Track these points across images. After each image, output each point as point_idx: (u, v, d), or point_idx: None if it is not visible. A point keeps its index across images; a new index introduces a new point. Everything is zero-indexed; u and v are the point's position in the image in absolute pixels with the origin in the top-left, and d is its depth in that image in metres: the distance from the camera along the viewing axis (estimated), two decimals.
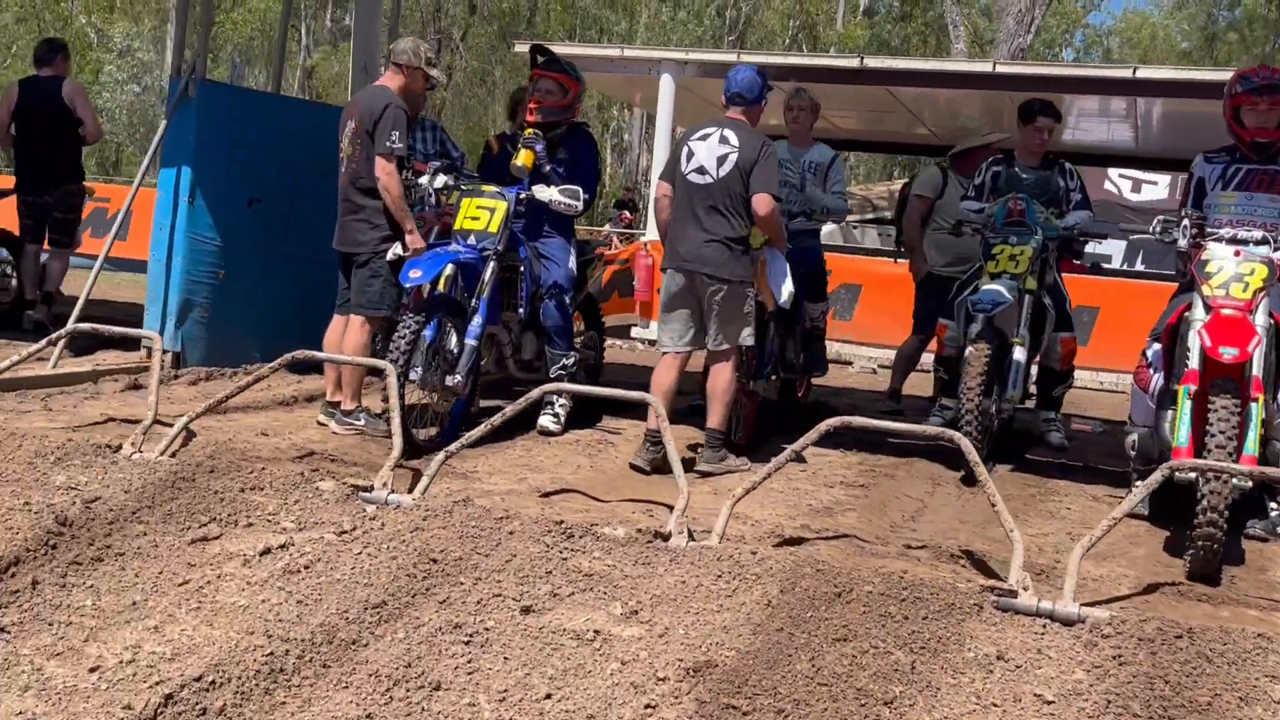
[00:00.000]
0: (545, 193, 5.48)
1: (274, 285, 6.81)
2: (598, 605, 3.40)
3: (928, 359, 7.99)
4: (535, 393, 4.33)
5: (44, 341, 5.03)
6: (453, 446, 4.24)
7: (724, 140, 5.18)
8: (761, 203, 5.13)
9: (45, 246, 7.55)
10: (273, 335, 6.86)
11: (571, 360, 5.77)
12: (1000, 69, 11.72)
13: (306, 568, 3.62)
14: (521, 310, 5.60)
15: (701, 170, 5.20)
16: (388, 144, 5.24)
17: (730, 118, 5.27)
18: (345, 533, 3.86)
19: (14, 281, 7.94)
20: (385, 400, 4.86)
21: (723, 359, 5.25)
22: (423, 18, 28.96)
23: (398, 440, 4.28)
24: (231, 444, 4.95)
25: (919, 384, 8.11)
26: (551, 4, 34.27)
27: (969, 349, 5.43)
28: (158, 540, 3.76)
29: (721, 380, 5.25)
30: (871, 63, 11.95)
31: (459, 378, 5.19)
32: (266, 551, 3.71)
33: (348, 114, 5.46)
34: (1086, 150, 14.38)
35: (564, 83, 5.77)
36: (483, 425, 4.30)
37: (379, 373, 4.91)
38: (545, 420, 5.69)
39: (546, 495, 4.58)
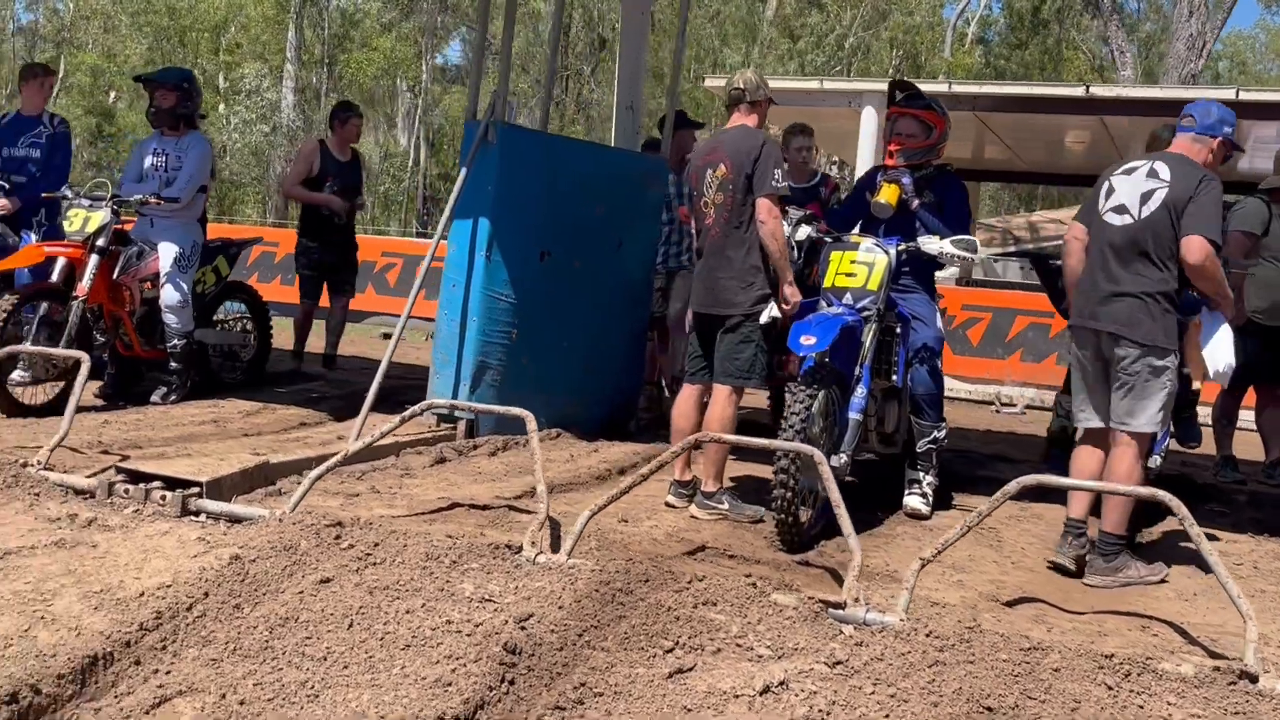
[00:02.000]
0: (933, 244, 4.81)
1: (561, 344, 6.26)
2: None
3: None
4: (1013, 486, 3.66)
5: (399, 418, 4.48)
6: (927, 554, 3.59)
7: (1153, 174, 4.35)
8: (1192, 247, 4.18)
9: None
10: (559, 398, 6.32)
11: (943, 432, 5.10)
12: (1244, 96, 10.92)
13: (828, 714, 2.99)
14: (895, 377, 4.94)
15: (1121, 209, 4.38)
16: (772, 184, 4.63)
17: (1170, 151, 4.49)
18: (839, 664, 3.22)
19: (253, 338, 7.54)
20: (797, 487, 4.22)
21: (1127, 442, 4.32)
22: (548, 52, 28.67)
23: (855, 544, 3.64)
24: (608, 537, 4.37)
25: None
26: (666, 36, 33.92)
27: None
28: (629, 673, 3.15)
29: (1122, 468, 4.27)
30: (1098, 91, 11.24)
31: (845, 457, 4.55)
32: (766, 690, 3.09)
33: (708, 160, 4.85)
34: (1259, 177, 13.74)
35: (928, 120, 5.13)
36: (959, 529, 3.63)
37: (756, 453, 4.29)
38: (916, 502, 5.03)
39: (1011, 605, 3.90)
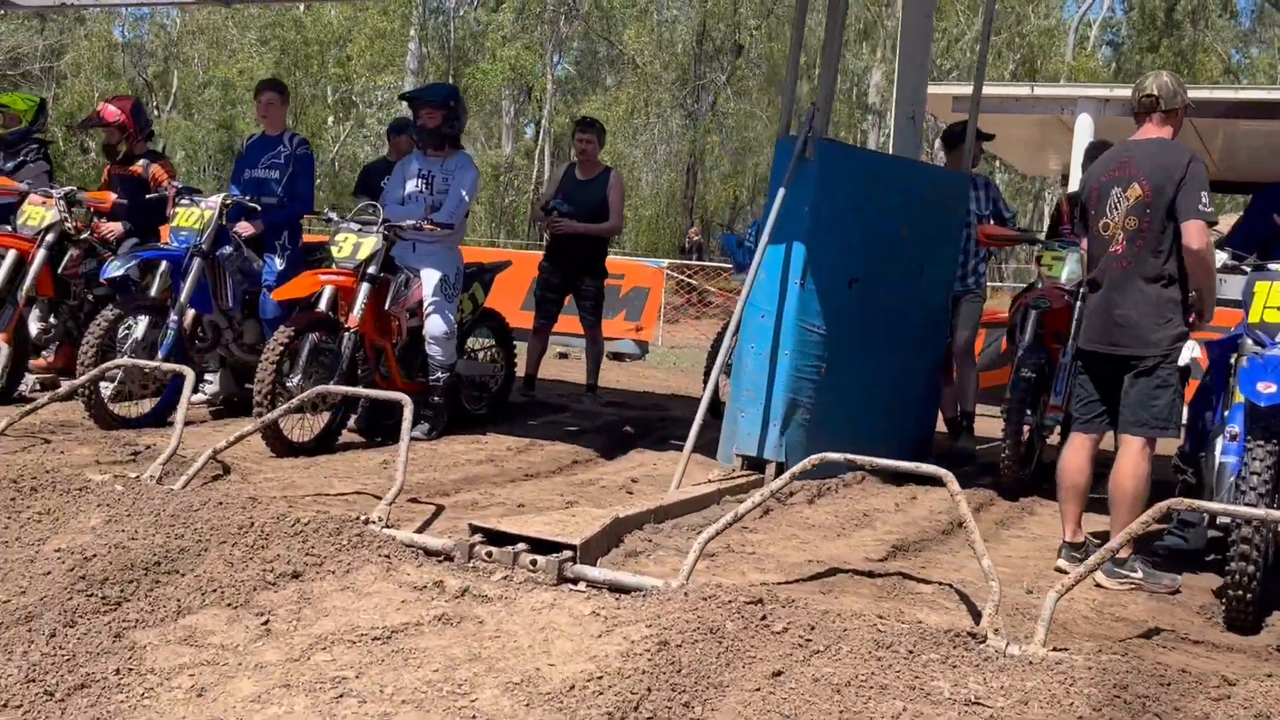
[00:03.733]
0: None
1: (866, 379, 5.72)
2: None
3: None
4: None
5: (789, 474, 3.97)
6: None
7: None
8: None
9: None
10: (865, 438, 5.75)
11: None
12: None
13: None
14: None
15: None
16: (1200, 208, 4.05)
17: None
18: None
19: (501, 367, 7.12)
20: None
21: None
22: (686, 61, 28.19)
23: None
24: (1028, 614, 3.80)
25: None
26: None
27: None
28: None
29: None
30: None
31: None
32: None
33: (1115, 176, 4.26)
34: None
35: None
36: None
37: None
38: None
39: None
